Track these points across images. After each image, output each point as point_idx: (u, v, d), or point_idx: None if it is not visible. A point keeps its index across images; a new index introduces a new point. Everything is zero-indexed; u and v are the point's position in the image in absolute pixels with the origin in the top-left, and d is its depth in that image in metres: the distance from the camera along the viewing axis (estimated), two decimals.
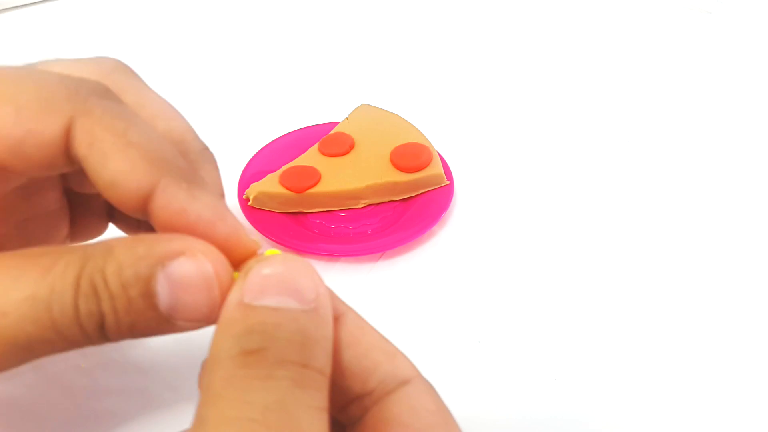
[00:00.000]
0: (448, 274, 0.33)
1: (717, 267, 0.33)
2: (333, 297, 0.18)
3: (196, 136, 0.23)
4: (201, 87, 0.46)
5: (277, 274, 0.17)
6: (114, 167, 0.18)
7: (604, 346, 0.29)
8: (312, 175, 0.35)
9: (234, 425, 0.14)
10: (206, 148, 0.23)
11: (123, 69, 0.24)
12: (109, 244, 0.17)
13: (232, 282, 0.17)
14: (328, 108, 0.41)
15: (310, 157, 0.36)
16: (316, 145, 0.37)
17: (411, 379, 0.18)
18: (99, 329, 0.17)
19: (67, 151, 0.18)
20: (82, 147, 0.18)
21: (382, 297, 0.32)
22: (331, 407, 0.17)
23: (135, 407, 0.26)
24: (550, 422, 0.26)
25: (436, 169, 0.35)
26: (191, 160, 0.22)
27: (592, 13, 0.54)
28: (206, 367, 0.16)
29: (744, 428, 0.26)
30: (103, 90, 0.19)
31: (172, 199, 0.18)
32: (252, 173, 0.36)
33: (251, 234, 0.19)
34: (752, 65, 0.48)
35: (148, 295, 0.17)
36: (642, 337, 0.30)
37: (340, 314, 0.18)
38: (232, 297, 0.17)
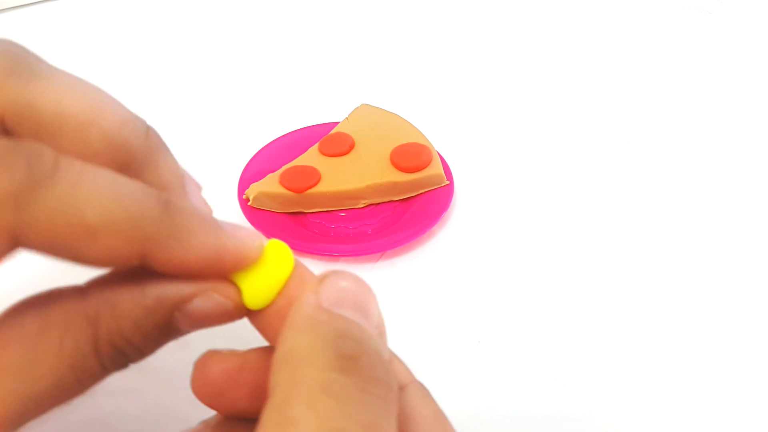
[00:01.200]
0: (448, 274, 0.33)
1: (717, 267, 0.33)
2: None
3: (135, 121, 0.19)
4: (201, 87, 0.46)
5: (352, 290, 0.17)
6: (91, 259, 0.16)
7: (604, 346, 0.29)
8: (312, 175, 0.35)
9: None
10: (149, 131, 0.20)
11: (16, 66, 0.18)
12: (109, 301, 0.17)
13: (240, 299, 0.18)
14: (328, 108, 0.41)
15: (310, 157, 0.36)
16: (316, 145, 0.37)
17: (406, 385, 0.18)
18: (126, 366, 0.18)
19: (15, 252, 0.16)
20: (44, 252, 0.16)
21: (382, 297, 0.31)
22: None
23: (135, 407, 0.26)
24: (550, 422, 0.26)
25: (436, 169, 0.35)
26: (141, 162, 0.19)
27: (592, 13, 0.54)
28: (287, 364, 0.15)
29: (744, 428, 0.26)
30: (25, 167, 0.15)
31: (167, 260, 0.17)
32: (252, 173, 0.36)
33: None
34: (752, 65, 0.48)
35: (171, 330, 0.18)
36: (642, 337, 0.30)
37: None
38: (309, 299, 0.16)
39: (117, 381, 0.27)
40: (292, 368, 0.15)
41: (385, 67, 0.48)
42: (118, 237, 0.16)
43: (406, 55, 0.49)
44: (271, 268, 0.18)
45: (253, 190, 0.34)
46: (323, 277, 0.17)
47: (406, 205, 0.35)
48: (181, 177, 0.21)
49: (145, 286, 0.17)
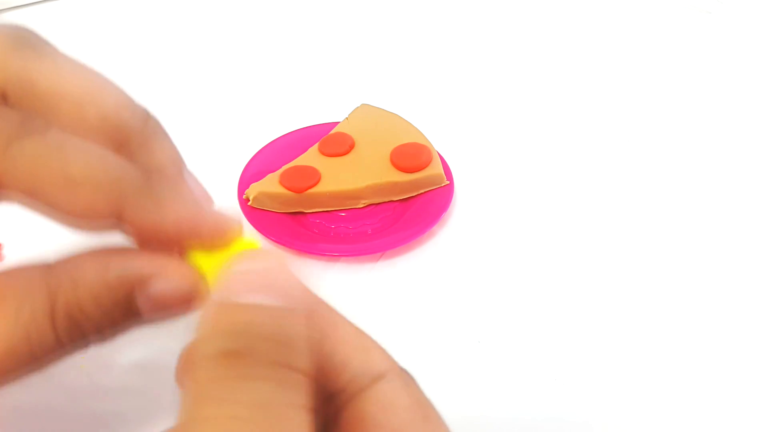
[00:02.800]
0: (448, 274, 0.33)
1: (717, 267, 0.33)
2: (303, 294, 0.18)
3: (134, 107, 0.20)
4: (201, 87, 0.46)
5: (256, 270, 0.16)
6: (68, 211, 0.16)
7: (604, 346, 0.29)
8: (312, 175, 0.35)
9: (220, 423, 0.14)
10: (148, 117, 0.21)
11: (22, 44, 0.19)
12: (70, 273, 0.17)
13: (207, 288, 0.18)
14: (328, 108, 0.41)
15: (310, 157, 0.36)
16: (316, 145, 0.37)
17: (385, 373, 0.17)
18: (84, 346, 0.18)
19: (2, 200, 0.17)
20: (24, 200, 0.17)
21: (382, 297, 0.32)
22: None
23: (135, 407, 0.26)
24: (550, 422, 0.26)
25: (436, 169, 0.35)
26: (138, 144, 0.20)
27: (592, 13, 0.54)
28: (185, 365, 0.16)
29: (744, 428, 0.26)
30: (20, 123, 0.17)
31: (143, 221, 0.17)
32: (252, 173, 0.36)
33: (241, 228, 0.19)
34: (752, 65, 0.48)
35: (132, 312, 0.17)
36: (642, 337, 0.30)
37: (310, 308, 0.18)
38: (217, 292, 0.16)
39: (117, 381, 0.27)
40: (190, 371, 0.15)
41: (385, 67, 0.48)
42: (98, 191, 0.16)
43: (406, 55, 0.49)
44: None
45: (253, 190, 0.34)
46: (226, 267, 0.17)
47: (406, 205, 0.35)
48: (180, 164, 0.21)
49: (110, 262, 0.17)
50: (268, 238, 0.33)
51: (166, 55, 0.49)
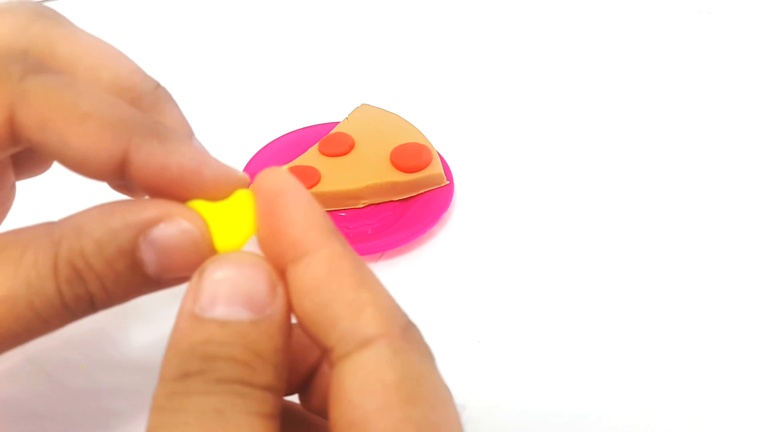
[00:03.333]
0: (448, 274, 0.33)
1: (717, 267, 0.33)
2: (311, 227, 0.16)
3: (145, 75, 0.21)
4: (201, 87, 0.46)
5: (229, 279, 0.16)
6: (76, 145, 0.17)
7: (604, 346, 0.29)
8: (312, 175, 0.35)
9: (171, 430, 0.14)
10: (158, 86, 0.21)
11: (43, 15, 0.20)
12: (76, 223, 0.17)
13: (212, 240, 0.17)
14: (328, 108, 0.41)
15: (310, 157, 0.36)
16: (316, 145, 0.37)
17: (374, 339, 0.15)
18: (89, 307, 0.17)
19: (15, 138, 0.17)
20: (34, 133, 0.17)
21: None
22: (320, 382, 0.18)
23: (135, 407, 0.26)
24: (550, 422, 0.26)
25: (436, 169, 0.35)
26: (148, 104, 0.21)
27: (592, 13, 0.54)
28: (159, 378, 0.16)
29: (744, 428, 0.26)
30: (35, 63, 0.18)
31: (148, 160, 0.17)
32: (252, 173, 0.36)
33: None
34: (752, 65, 0.48)
35: (136, 264, 0.17)
36: (642, 337, 0.30)
37: (311, 250, 0.16)
38: (185, 305, 0.16)
39: (117, 381, 0.27)
40: (157, 385, 0.15)
41: (385, 67, 0.48)
42: (105, 126, 0.17)
43: (406, 55, 0.49)
44: (248, 211, 0.18)
45: None
46: (202, 271, 0.16)
47: (406, 205, 0.35)
48: (189, 130, 0.22)
49: (115, 209, 0.17)
50: None
51: (166, 55, 0.49)
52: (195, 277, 0.16)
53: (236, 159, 0.37)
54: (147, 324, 0.29)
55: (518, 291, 0.32)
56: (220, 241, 0.17)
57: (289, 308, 0.16)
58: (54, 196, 0.29)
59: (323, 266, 0.16)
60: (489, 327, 0.30)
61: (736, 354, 0.29)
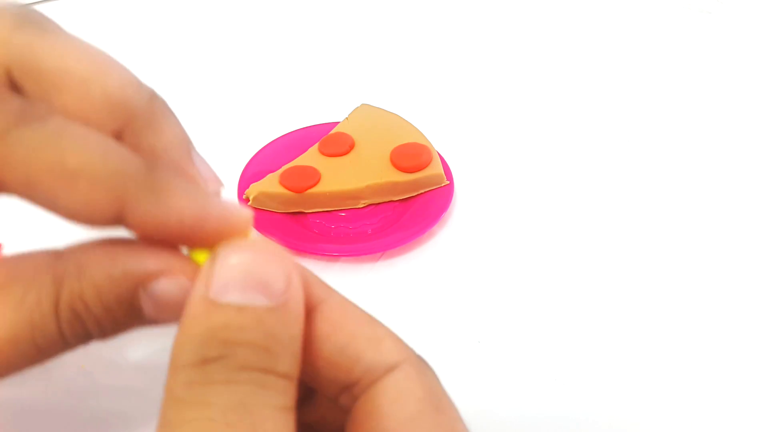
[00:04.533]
0: (448, 274, 0.33)
1: (717, 267, 0.33)
2: (313, 282, 0.17)
3: (139, 84, 0.20)
4: (201, 87, 0.46)
5: (244, 264, 0.16)
6: (66, 205, 0.16)
7: (604, 346, 0.29)
8: (312, 175, 0.35)
9: (194, 425, 0.14)
10: (154, 95, 0.20)
11: (26, 21, 0.19)
12: (78, 263, 0.17)
13: None
14: (328, 108, 0.41)
15: (310, 157, 0.36)
16: (316, 145, 0.37)
17: (398, 363, 0.17)
18: (86, 341, 0.17)
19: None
20: (20, 192, 0.16)
21: (382, 297, 0.32)
22: (325, 397, 0.17)
23: (135, 407, 0.26)
24: (550, 422, 0.26)
25: (436, 169, 0.35)
26: (144, 122, 0.19)
27: (591, 13, 0.54)
28: (169, 367, 0.15)
29: (744, 428, 0.26)
30: (18, 110, 0.16)
31: (146, 216, 0.16)
32: (252, 173, 0.36)
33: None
34: (752, 65, 0.48)
35: (134, 310, 0.17)
36: (642, 337, 0.30)
37: (321, 300, 0.17)
38: (198, 289, 0.16)
39: (117, 381, 0.27)
40: (170, 375, 0.15)
41: (385, 67, 0.48)
42: (97, 185, 0.16)
43: (406, 55, 0.49)
44: None
45: (253, 190, 0.34)
46: (215, 256, 0.16)
47: (406, 205, 0.35)
48: (187, 144, 0.20)
49: (117, 256, 0.17)
50: (268, 238, 0.33)
51: (166, 56, 0.49)
52: (207, 264, 0.16)
53: (236, 159, 0.37)
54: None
55: (518, 291, 0.32)
56: None
57: (303, 298, 0.16)
58: None
59: (336, 312, 0.17)
60: (489, 327, 0.30)
61: (736, 354, 0.29)
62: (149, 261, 0.17)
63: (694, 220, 0.35)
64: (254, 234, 0.18)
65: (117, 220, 0.16)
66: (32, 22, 0.19)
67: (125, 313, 0.17)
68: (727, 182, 0.38)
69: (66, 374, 0.27)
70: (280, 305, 0.16)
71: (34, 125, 0.16)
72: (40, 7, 0.56)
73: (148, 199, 0.16)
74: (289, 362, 0.16)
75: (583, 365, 0.28)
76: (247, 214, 0.17)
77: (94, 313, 0.17)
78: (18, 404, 0.26)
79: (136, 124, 0.19)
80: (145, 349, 0.28)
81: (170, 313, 0.17)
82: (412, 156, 0.35)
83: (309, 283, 0.17)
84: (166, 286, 0.17)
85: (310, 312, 0.17)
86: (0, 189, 0.16)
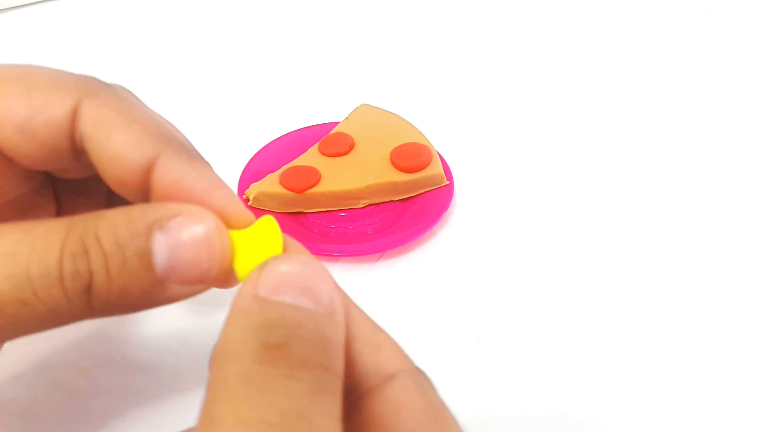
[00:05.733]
0: (448, 274, 0.33)
1: (717, 267, 0.33)
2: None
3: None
4: (201, 87, 0.46)
5: (294, 273, 0.16)
6: (118, 140, 0.18)
7: (604, 346, 0.29)
8: (312, 175, 0.35)
9: (251, 427, 0.13)
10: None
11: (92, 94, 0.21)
12: (98, 212, 0.17)
13: (229, 245, 0.18)
14: (328, 108, 0.41)
15: (310, 157, 0.36)
16: (316, 145, 0.37)
17: (397, 373, 0.17)
18: (84, 292, 0.16)
19: (71, 133, 0.19)
20: (87, 125, 0.18)
21: (382, 297, 0.32)
22: None
23: (135, 407, 0.26)
24: (550, 422, 0.26)
25: (436, 169, 0.35)
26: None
27: (591, 13, 0.54)
28: (217, 360, 0.15)
29: (744, 428, 0.26)
30: (107, 84, 0.20)
31: (171, 168, 0.18)
32: (252, 173, 0.36)
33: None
34: (752, 65, 0.48)
35: (145, 253, 0.16)
36: (642, 337, 0.30)
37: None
38: (246, 289, 0.16)
39: (117, 381, 0.27)
40: (219, 365, 0.15)
41: (385, 67, 0.48)
42: (146, 132, 0.18)
43: (406, 55, 0.49)
44: (274, 236, 0.18)
45: (253, 190, 0.34)
46: (264, 264, 0.16)
47: (406, 205, 0.35)
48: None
49: (138, 204, 0.17)
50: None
51: (166, 56, 0.49)
52: (255, 271, 0.16)
53: (236, 159, 0.37)
54: (147, 324, 0.29)
55: (518, 291, 0.32)
56: (243, 263, 0.17)
57: (344, 312, 0.17)
58: None
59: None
60: (489, 327, 0.30)
61: (736, 354, 0.29)
62: (170, 205, 0.17)
63: (694, 220, 0.35)
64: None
65: (147, 172, 0.18)
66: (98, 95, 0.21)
67: (136, 255, 0.16)
68: (727, 182, 0.38)
69: (66, 374, 0.27)
70: (328, 312, 0.16)
71: (118, 90, 0.20)
72: (40, 7, 0.56)
73: (180, 157, 0.18)
74: (341, 363, 0.16)
75: (583, 365, 0.28)
76: (250, 212, 0.19)
77: (104, 247, 0.16)
78: (18, 404, 0.26)
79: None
80: (145, 349, 0.28)
81: (181, 259, 0.17)
82: (412, 156, 0.35)
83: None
84: (182, 222, 0.17)
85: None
86: (74, 125, 0.19)
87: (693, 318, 0.30)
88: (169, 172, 0.18)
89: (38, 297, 0.16)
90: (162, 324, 0.28)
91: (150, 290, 0.17)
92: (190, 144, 0.20)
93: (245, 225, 0.18)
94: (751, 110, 0.43)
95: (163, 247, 0.16)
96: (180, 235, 0.17)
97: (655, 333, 0.30)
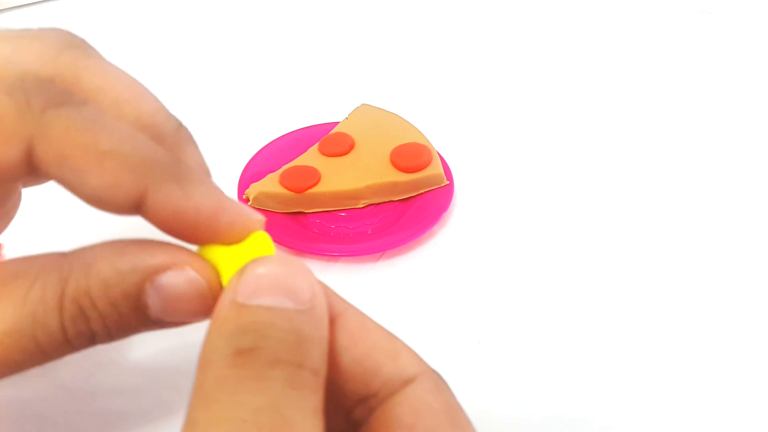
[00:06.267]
0: (448, 274, 0.33)
1: (717, 267, 0.33)
2: (332, 295, 0.18)
3: (169, 114, 0.21)
4: (201, 87, 0.46)
5: (272, 274, 0.16)
6: (94, 184, 0.16)
7: (604, 346, 0.29)
8: (312, 175, 0.35)
9: (224, 426, 0.14)
10: (181, 125, 0.22)
11: (72, 45, 0.20)
12: (86, 260, 0.17)
13: (221, 288, 0.17)
14: (328, 108, 0.41)
15: (310, 157, 0.36)
16: (316, 145, 0.37)
17: (416, 377, 0.17)
18: (89, 342, 0.17)
19: (33, 170, 0.17)
20: (52, 168, 0.17)
21: (382, 297, 0.32)
22: (336, 409, 0.17)
23: (135, 407, 0.26)
24: (550, 422, 0.26)
25: (436, 169, 0.35)
26: (169, 145, 0.21)
27: (591, 13, 0.54)
28: (198, 367, 0.15)
29: (744, 428, 0.26)
30: (58, 94, 0.17)
31: (165, 201, 0.17)
32: (252, 173, 0.36)
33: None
34: (752, 65, 0.48)
35: (140, 308, 0.17)
36: (642, 337, 0.30)
37: (338, 313, 0.18)
38: (226, 296, 0.16)
39: (117, 381, 0.27)
40: (199, 372, 0.15)
41: (385, 67, 0.48)
42: (125, 166, 0.16)
43: (406, 55, 0.49)
44: (265, 253, 0.18)
45: (253, 190, 0.34)
46: (242, 270, 0.17)
47: (406, 205, 0.35)
48: (207, 170, 0.22)
49: (125, 250, 0.17)
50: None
51: (166, 56, 0.49)
52: (235, 276, 0.16)
53: (236, 159, 0.37)
54: None
55: (518, 291, 0.32)
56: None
57: (327, 307, 0.17)
58: (58, 200, 0.29)
59: (354, 324, 0.17)
60: (489, 327, 0.30)
61: (736, 354, 0.29)
62: (157, 254, 0.17)
63: (694, 220, 0.35)
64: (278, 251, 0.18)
65: (137, 205, 0.17)
66: (77, 46, 0.20)
67: (131, 310, 0.17)
68: (727, 182, 0.38)
69: (66, 374, 0.27)
70: (307, 309, 0.16)
71: (73, 108, 0.17)
72: (40, 8, 0.56)
73: (170, 186, 0.17)
74: (319, 359, 0.16)
75: (583, 365, 0.28)
76: (259, 217, 0.18)
77: (99, 309, 0.17)
78: (18, 404, 0.26)
79: (163, 146, 0.20)
80: (145, 349, 0.28)
81: (176, 309, 0.17)
82: (412, 156, 0.35)
83: (328, 295, 0.17)
84: (173, 278, 0.17)
85: (329, 323, 0.17)
86: (34, 168, 0.17)
87: (692, 318, 0.30)
88: (163, 209, 0.17)
89: (47, 354, 0.17)
90: (170, 328, 0.28)
91: (148, 327, 0.18)
92: (172, 160, 0.18)
93: (250, 232, 0.18)
94: (751, 110, 0.43)
95: (156, 302, 0.17)
96: (172, 291, 0.17)
97: (655, 333, 0.30)
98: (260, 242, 0.18)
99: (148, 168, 0.17)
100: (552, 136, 0.41)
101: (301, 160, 0.36)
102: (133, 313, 0.17)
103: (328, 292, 0.18)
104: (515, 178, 0.38)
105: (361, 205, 0.36)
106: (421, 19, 0.54)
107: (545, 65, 0.48)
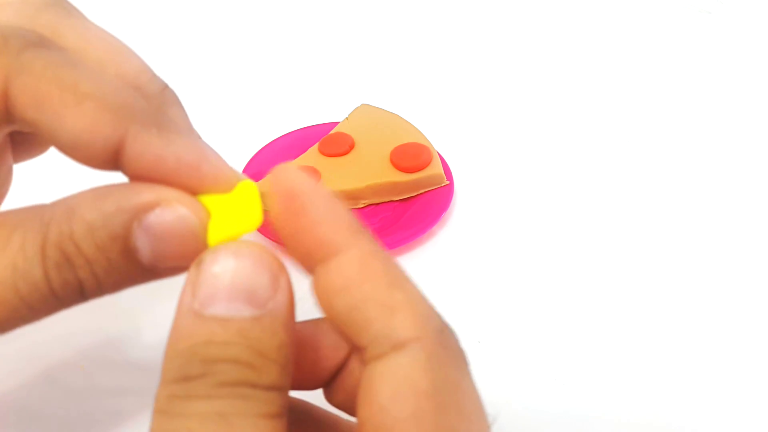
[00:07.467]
0: (448, 274, 0.33)
1: (717, 267, 0.33)
2: (338, 226, 0.16)
3: (153, 75, 0.20)
4: (201, 87, 0.46)
5: (228, 272, 0.15)
6: (72, 127, 0.16)
7: (604, 346, 0.29)
8: (312, 175, 0.35)
9: None
10: (166, 87, 0.21)
11: (54, 3, 0.20)
12: (68, 205, 0.16)
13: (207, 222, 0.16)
14: (328, 108, 0.41)
15: (310, 157, 0.36)
16: (316, 145, 0.37)
17: (407, 343, 0.15)
18: (77, 294, 0.16)
19: (9, 115, 0.16)
20: (28, 110, 0.16)
21: None
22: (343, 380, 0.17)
23: (135, 407, 0.26)
24: (550, 422, 0.26)
25: (436, 169, 0.35)
26: (154, 105, 0.20)
27: (591, 13, 0.54)
28: (160, 381, 0.15)
29: (744, 428, 0.26)
30: (37, 37, 0.16)
31: (145, 148, 0.16)
32: (252, 173, 0.36)
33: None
34: (752, 65, 0.48)
35: (129, 251, 0.16)
36: (642, 337, 0.30)
37: (337, 251, 0.15)
38: (184, 299, 0.15)
39: (117, 381, 0.27)
40: (159, 385, 0.15)
41: (385, 67, 0.48)
42: (104, 109, 0.16)
43: (406, 55, 0.49)
44: (253, 203, 0.17)
45: None
46: (199, 262, 0.15)
47: (406, 205, 0.35)
48: (193, 130, 0.21)
49: (109, 192, 0.16)
50: (268, 238, 0.33)
51: (166, 56, 0.49)
52: (193, 269, 0.15)
53: (236, 159, 0.37)
54: (147, 324, 0.29)
55: (518, 291, 0.32)
56: (216, 232, 0.16)
57: (293, 300, 0.16)
58: (51, 179, 0.29)
59: (354, 266, 0.15)
60: (489, 327, 0.30)
61: (736, 354, 0.29)
62: (144, 193, 0.16)
63: (694, 221, 0.35)
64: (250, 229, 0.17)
65: (116, 153, 0.16)
66: (58, 5, 0.20)
67: (120, 254, 0.16)
68: (727, 182, 0.38)
69: (66, 374, 0.27)
70: (266, 313, 0.15)
71: (53, 50, 0.16)
72: None
73: (151, 132, 0.16)
74: (276, 373, 0.15)
75: (583, 365, 0.28)
76: (244, 177, 0.17)
77: (85, 254, 0.16)
78: (18, 404, 0.26)
79: None
80: (145, 349, 0.28)
81: (168, 251, 0.16)
82: (412, 156, 0.35)
83: (335, 228, 0.15)
84: (162, 216, 0.16)
85: (325, 260, 0.15)
86: (10, 110, 0.16)
87: (692, 318, 0.30)
88: (142, 154, 0.16)
89: (33, 309, 0.16)
90: (162, 324, 0.28)
91: (141, 276, 0.17)
92: (155, 108, 0.17)
93: (236, 183, 0.17)
94: (751, 110, 0.43)
95: (145, 243, 0.16)
96: (161, 230, 0.16)
97: (655, 333, 0.30)
98: (247, 193, 0.17)
99: (128, 112, 0.16)
100: (552, 136, 0.41)
101: (301, 160, 0.36)
102: (123, 258, 0.16)
103: (336, 223, 0.16)
104: (515, 178, 0.38)
105: (361, 205, 0.36)
106: (421, 20, 0.54)
107: (545, 65, 0.48)
